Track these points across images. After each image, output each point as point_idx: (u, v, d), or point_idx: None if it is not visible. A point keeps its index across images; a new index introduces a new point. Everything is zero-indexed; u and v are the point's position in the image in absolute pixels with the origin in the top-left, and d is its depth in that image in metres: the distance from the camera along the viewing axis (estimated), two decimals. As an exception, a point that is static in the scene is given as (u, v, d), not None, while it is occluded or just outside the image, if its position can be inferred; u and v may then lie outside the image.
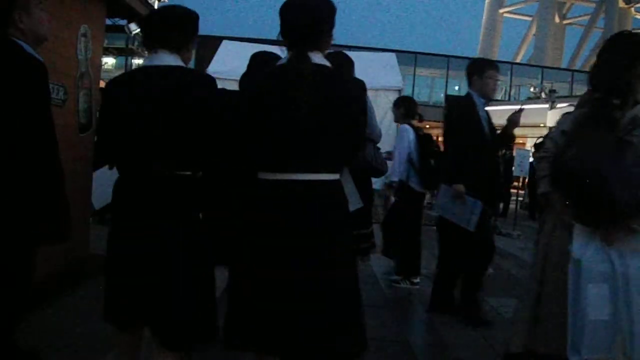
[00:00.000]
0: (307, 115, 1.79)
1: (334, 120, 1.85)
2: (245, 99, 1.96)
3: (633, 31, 2.77)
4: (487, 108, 4.05)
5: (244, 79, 2.41)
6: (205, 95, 1.97)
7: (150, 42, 2.07)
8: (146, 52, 2.11)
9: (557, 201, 2.36)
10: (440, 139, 4.92)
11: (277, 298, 1.80)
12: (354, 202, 2.08)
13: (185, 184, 1.97)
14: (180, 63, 2.04)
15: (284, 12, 1.96)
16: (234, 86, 8.53)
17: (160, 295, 1.91)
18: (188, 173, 1.97)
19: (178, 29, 2.06)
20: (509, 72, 29.76)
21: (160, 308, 1.92)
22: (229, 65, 10.09)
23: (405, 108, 5.04)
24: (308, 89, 1.79)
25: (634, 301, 2.15)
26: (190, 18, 2.11)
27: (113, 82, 2.12)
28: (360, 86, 2.01)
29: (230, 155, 2.06)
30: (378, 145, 3.69)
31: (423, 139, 4.94)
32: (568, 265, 2.21)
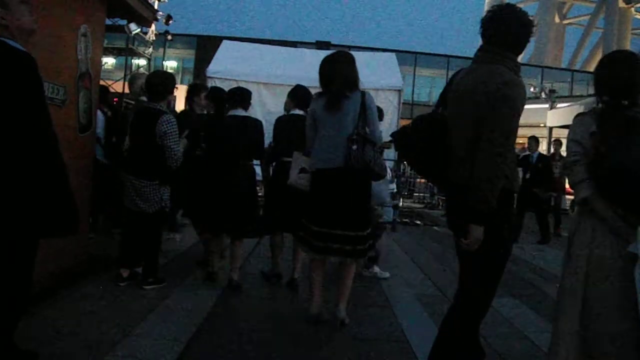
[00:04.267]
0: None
1: (246, 140, 4.42)
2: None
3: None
4: None
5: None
6: (257, 128, 4.49)
7: (233, 104, 4.49)
8: (231, 108, 4.50)
9: (602, 207, 2.24)
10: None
11: (222, 203, 4.35)
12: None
13: (248, 166, 4.53)
14: (247, 114, 4.51)
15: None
16: (234, 86, 8.90)
17: (232, 215, 4.35)
18: (248, 162, 4.54)
19: (245, 100, 4.56)
20: (509, 72, 29.77)
21: (232, 222, 4.36)
22: (229, 65, 10.10)
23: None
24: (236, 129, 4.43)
25: None
26: (249, 95, 4.65)
27: (212, 120, 4.76)
28: (260, 123, 4.55)
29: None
30: None
31: None
32: (616, 277, 2.11)
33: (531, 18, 2.53)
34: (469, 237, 2.32)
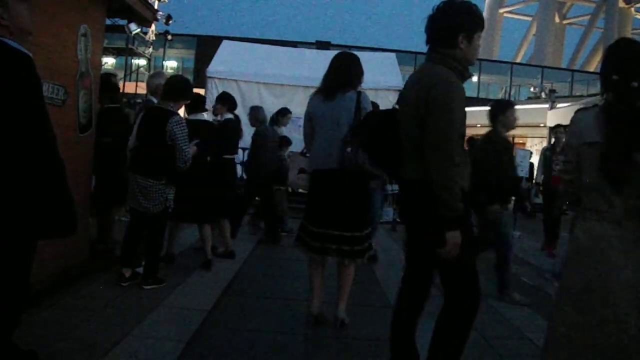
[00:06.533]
0: None
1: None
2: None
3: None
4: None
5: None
6: (211, 128, 5.25)
7: (193, 109, 5.06)
8: (189, 113, 5.16)
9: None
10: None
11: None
12: None
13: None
14: (207, 118, 5.30)
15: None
16: (233, 86, 9.31)
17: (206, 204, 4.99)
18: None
19: (201, 106, 5.28)
20: (509, 72, 29.80)
21: (206, 210, 5.02)
22: (228, 65, 10.10)
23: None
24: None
25: None
26: (203, 101, 5.47)
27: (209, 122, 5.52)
28: (212, 125, 5.39)
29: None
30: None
31: None
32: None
33: (473, 8, 2.40)
34: (447, 244, 2.32)
